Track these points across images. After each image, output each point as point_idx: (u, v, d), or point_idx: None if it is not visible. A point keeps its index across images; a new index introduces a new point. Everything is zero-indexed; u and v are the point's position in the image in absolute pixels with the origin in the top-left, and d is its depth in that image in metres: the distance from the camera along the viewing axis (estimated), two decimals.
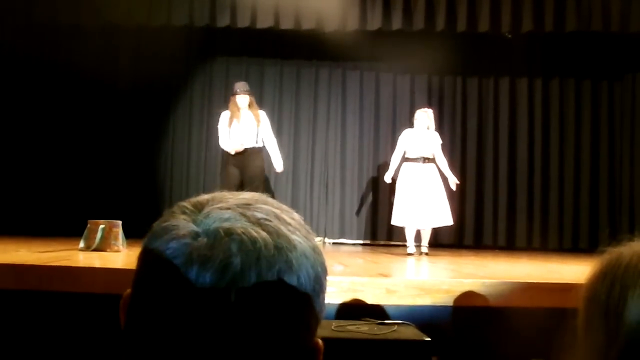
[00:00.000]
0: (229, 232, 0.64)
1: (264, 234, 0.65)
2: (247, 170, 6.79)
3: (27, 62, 8.18)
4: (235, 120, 6.82)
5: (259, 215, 0.67)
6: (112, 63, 8.32)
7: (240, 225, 0.65)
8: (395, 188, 6.92)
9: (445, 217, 6.83)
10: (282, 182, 8.73)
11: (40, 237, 6.44)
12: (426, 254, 6.80)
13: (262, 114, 7.00)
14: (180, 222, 0.67)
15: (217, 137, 6.95)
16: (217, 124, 7.03)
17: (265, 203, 0.70)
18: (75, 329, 3.20)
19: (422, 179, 6.73)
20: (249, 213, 0.67)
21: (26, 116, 8.27)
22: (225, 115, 6.93)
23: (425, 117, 6.96)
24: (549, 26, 7.57)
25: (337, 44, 7.80)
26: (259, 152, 6.91)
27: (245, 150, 6.79)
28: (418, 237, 6.89)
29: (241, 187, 6.59)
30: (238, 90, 6.88)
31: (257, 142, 6.88)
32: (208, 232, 0.64)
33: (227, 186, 6.43)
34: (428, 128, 6.95)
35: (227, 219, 0.65)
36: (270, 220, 0.67)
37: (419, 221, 6.73)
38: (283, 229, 0.67)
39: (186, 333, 0.63)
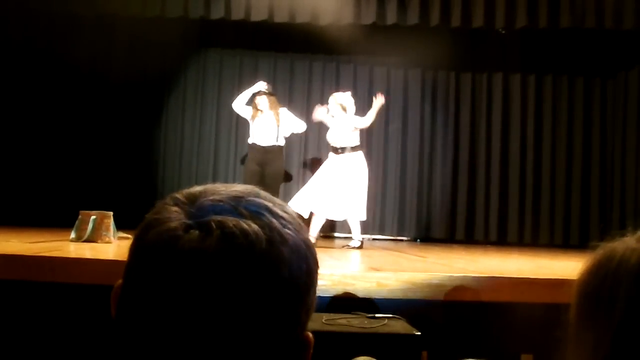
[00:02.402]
0: (220, 225, 0.64)
1: (255, 227, 0.65)
2: (268, 168, 6.89)
3: (20, 51, 8.12)
4: (256, 120, 6.91)
5: (252, 208, 0.67)
6: (105, 53, 8.29)
7: (232, 218, 0.65)
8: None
9: (345, 211, 6.32)
10: None
11: (31, 228, 6.41)
12: (350, 247, 6.30)
13: (282, 112, 7.06)
14: (173, 214, 0.66)
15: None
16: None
17: (258, 196, 0.70)
18: (66, 319, 3.20)
19: (331, 169, 6.41)
20: (241, 206, 0.67)
21: (18, 106, 8.21)
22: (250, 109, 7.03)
23: (331, 102, 6.64)
24: (543, 22, 7.57)
25: (331, 38, 7.79)
26: (279, 151, 7.03)
27: (266, 148, 6.89)
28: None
29: (261, 184, 6.64)
30: (259, 92, 6.96)
31: (277, 141, 6.96)
32: (200, 224, 0.64)
33: (247, 183, 6.44)
34: (344, 112, 6.56)
35: (219, 212, 0.65)
36: (262, 214, 0.67)
37: (317, 209, 6.26)
38: (275, 222, 0.67)
39: (177, 324, 0.63)
